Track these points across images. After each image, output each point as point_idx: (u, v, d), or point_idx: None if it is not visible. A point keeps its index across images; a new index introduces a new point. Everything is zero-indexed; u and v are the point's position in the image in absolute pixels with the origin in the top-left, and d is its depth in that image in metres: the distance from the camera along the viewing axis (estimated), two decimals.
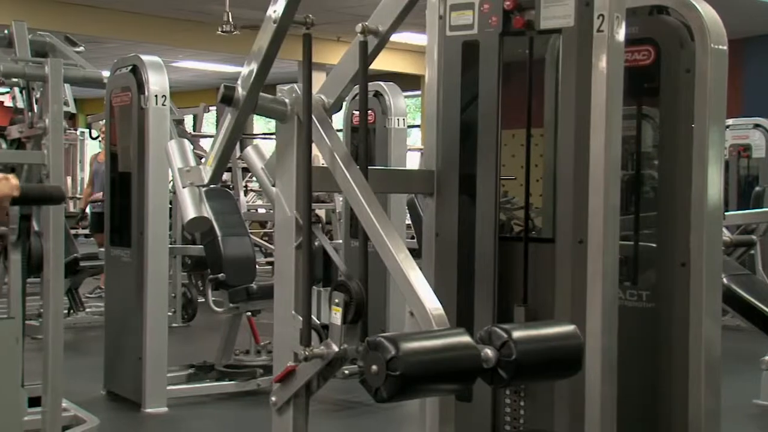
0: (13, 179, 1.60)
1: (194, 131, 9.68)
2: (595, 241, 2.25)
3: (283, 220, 2.44)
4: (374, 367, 1.80)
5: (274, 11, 2.30)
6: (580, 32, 2.27)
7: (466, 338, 1.88)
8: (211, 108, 12.34)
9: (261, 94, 2.42)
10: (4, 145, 6.11)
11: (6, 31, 4.04)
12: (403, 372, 1.76)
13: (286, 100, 2.41)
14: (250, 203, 11.33)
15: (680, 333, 2.60)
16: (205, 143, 10.88)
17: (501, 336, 1.89)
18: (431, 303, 2.07)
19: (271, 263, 9.87)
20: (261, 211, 11.68)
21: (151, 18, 11.93)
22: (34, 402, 3.80)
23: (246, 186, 11.49)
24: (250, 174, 11.64)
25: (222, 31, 9.42)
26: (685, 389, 2.58)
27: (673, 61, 2.62)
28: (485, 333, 1.93)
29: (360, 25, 2.34)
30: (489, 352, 1.89)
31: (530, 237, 2.47)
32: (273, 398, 2.39)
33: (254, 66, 2.38)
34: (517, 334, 1.90)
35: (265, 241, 10.85)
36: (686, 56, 2.59)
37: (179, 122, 7.68)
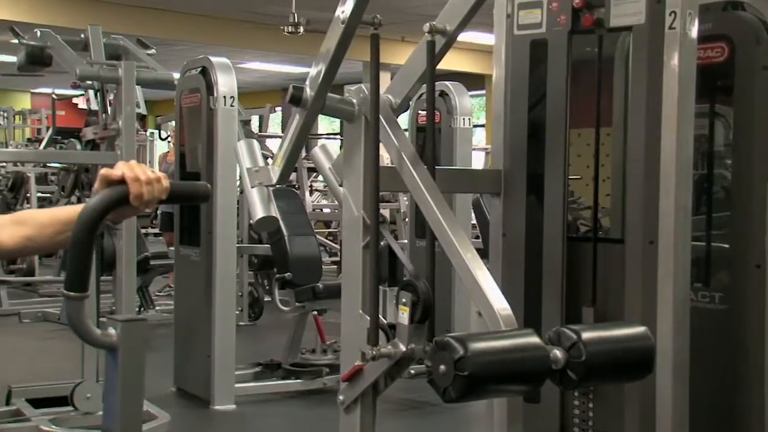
0: (164, 181, 1.54)
1: (260, 131, 9.79)
2: (666, 242, 2.21)
3: (350, 220, 2.45)
4: (442, 367, 1.79)
5: (343, 12, 2.32)
6: (651, 30, 2.23)
7: (534, 339, 1.86)
8: (276, 108, 12.48)
9: (329, 94, 2.44)
10: (78, 146, 6.29)
11: (82, 35, 4.15)
12: (471, 372, 1.75)
13: (354, 101, 2.42)
14: (315, 203, 11.42)
15: (755, 335, 2.54)
16: (271, 143, 11.02)
17: (570, 337, 1.87)
18: (499, 303, 2.06)
19: (335, 263, 9.94)
20: (326, 210, 11.77)
21: (218, 20, 12.11)
22: None
23: (311, 186, 11.59)
24: (315, 174, 11.75)
25: (288, 32, 9.51)
26: (761, 392, 2.52)
27: (749, 58, 2.55)
28: (554, 334, 1.91)
29: (428, 24, 2.34)
30: (558, 353, 1.87)
31: (599, 237, 2.44)
32: (341, 397, 2.41)
33: (322, 66, 2.39)
34: (586, 335, 1.88)
35: (329, 240, 10.92)
36: (762, 53, 2.53)
37: (246, 123, 7.77)
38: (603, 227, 2.52)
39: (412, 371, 2.60)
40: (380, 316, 2.35)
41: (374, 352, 2.26)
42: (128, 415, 1.60)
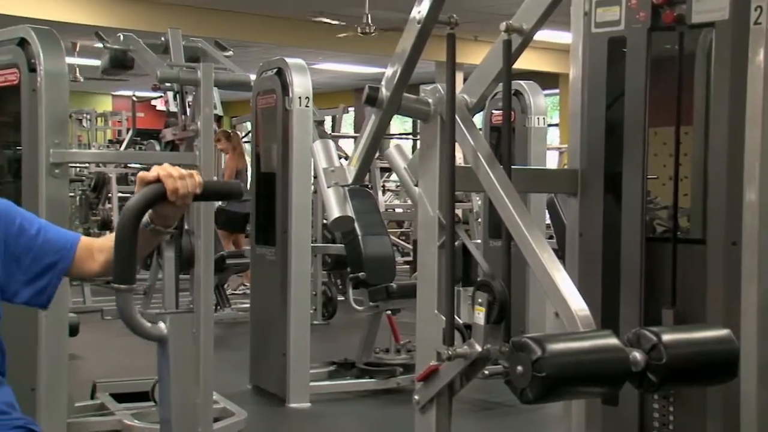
0: (197, 176, 1.65)
1: (333, 132, 9.85)
2: (750, 243, 2.16)
3: (425, 220, 2.45)
4: (519, 368, 1.78)
5: (419, 12, 2.32)
6: (735, 26, 2.18)
7: (613, 340, 1.84)
8: (349, 109, 12.55)
9: (404, 94, 2.44)
10: (157, 147, 6.42)
11: (162, 39, 4.24)
12: (549, 373, 1.74)
13: (429, 100, 2.42)
14: (387, 203, 11.44)
15: None
16: (344, 144, 11.08)
17: (650, 339, 1.84)
18: (577, 304, 2.04)
19: (408, 262, 9.95)
20: (398, 210, 11.79)
21: (293, 21, 12.23)
22: None
23: (383, 185, 11.62)
24: (387, 174, 11.78)
25: (361, 33, 9.55)
26: None
27: None
28: (633, 335, 1.88)
29: (504, 23, 2.32)
30: (637, 355, 1.84)
31: (679, 238, 2.40)
32: (416, 397, 2.41)
33: (398, 67, 2.40)
34: (667, 337, 1.84)
35: (402, 240, 10.94)
36: None
37: (320, 123, 7.84)
38: (681, 227, 2.47)
39: (487, 371, 2.58)
40: (456, 316, 2.35)
41: (450, 352, 2.26)
42: (181, 404, 1.66)
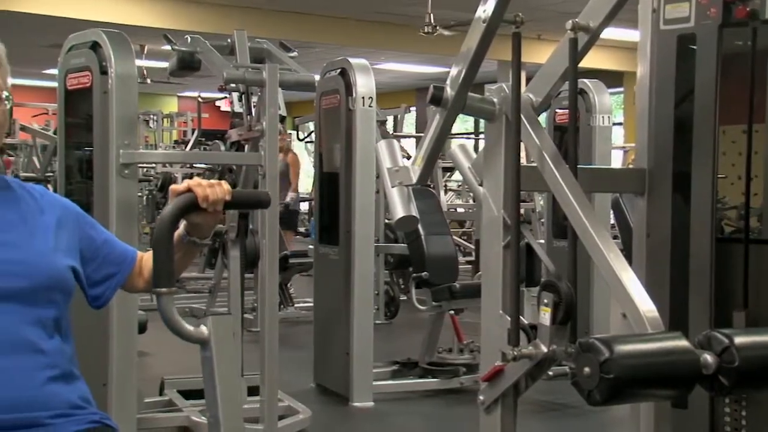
0: (225, 185, 1.75)
1: (395, 131, 9.86)
2: None
3: (490, 220, 2.45)
4: (587, 369, 1.76)
5: (484, 11, 2.31)
6: None
7: (683, 342, 1.81)
8: (411, 109, 12.55)
9: (469, 93, 2.44)
10: (222, 148, 6.50)
11: (228, 40, 4.30)
12: (617, 375, 1.72)
13: (494, 100, 2.41)
14: (449, 203, 11.42)
15: None
16: (405, 143, 11.08)
17: (722, 341, 1.80)
18: (645, 305, 2.01)
19: (470, 262, 9.91)
20: (460, 210, 11.75)
21: (355, 22, 12.28)
22: (253, 391, 4.02)
23: (445, 185, 11.59)
24: (449, 173, 11.75)
25: (424, 33, 9.54)
26: None
27: None
28: (704, 338, 1.84)
29: (570, 21, 2.30)
30: (708, 357, 1.80)
31: (750, 238, 2.35)
32: (481, 397, 2.40)
33: (463, 66, 2.40)
34: (739, 339, 1.80)
35: (463, 240, 10.90)
36: None
37: (382, 123, 7.86)
38: (752, 228, 2.42)
39: (551, 372, 2.57)
40: (521, 317, 2.34)
41: (515, 353, 2.25)
42: (228, 405, 1.69)
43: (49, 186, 7.13)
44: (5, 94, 1.69)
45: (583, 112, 5.88)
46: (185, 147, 11.71)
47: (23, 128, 9.80)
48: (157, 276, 1.69)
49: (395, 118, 10.69)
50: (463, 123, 17.21)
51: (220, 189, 1.73)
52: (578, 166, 2.37)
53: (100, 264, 1.83)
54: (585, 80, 5.96)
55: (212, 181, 1.75)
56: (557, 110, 6.03)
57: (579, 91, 5.86)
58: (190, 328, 1.70)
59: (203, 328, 1.69)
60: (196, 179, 1.76)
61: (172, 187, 1.77)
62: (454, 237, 8.48)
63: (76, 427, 1.63)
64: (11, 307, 1.60)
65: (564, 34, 2.35)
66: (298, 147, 11.78)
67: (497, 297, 2.40)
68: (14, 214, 1.71)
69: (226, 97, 6.52)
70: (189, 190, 1.73)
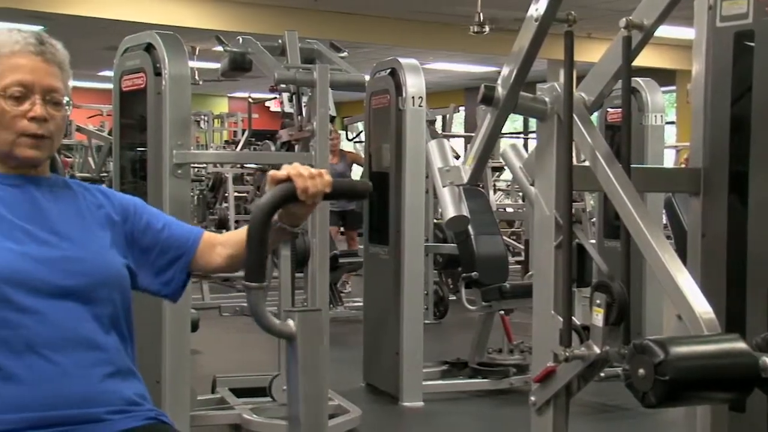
0: (326, 176, 1.67)
1: (443, 131, 9.85)
2: None
3: (542, 219, 2.43)
4: (641, 371, 1.74)
5: (536, 10, 2.30)
6: None
7: (741, 344, 1.78)
8: (460, 108, 12.52)
9: (520, 92, 2.42)
10: (272, 147, 6.56)
11: (279, 41, 4.33)
12: (672, 377, 1.69)
13: (546, 99, 2.39)
14: (498, 202, 11.36)
15: None
16: (454, 143, 11.05)
17: None
18: (701, 306, 1.98)
19: (519, 262, 9.85)
20: (509, 210, 11.69)
21: (404, 22, 12.28)
22: None
23: (494, 185, 11.54)
24: (498, 173, 11.69)
25: (473, 32, 9.51)
26: None
27: None
28: (762, 340, 1.81)
29: (624, 19, 2.28)
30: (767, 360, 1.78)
31: None
32: (532, 398, 2.39)
33: (514, 65, 2.39)
34: None
35: (512, 240, 10.84)
36: None
37: (431, 123, 7.86)
38: None
39: (602, 374, 2.55)
40: (573, 317, 2.32)
41: (567, 354, 2.23)
42: (311, 403, 1.66)
43: (104, 186, 7.25)
44: (66, 99, 1.72)
45: (635, 111, 5.81)
46: (235, 147, 11.82)
47: (79, 129, 9.97)
48: (248, 269, 1.62)
49: (444, 117, 10.68)
50: (512, 122, 17.12)
51: (321, 181, 1.65)
52: (631, 165, 2.34)
53: (162, 249, 1.82)
54: (637, 79, 5.89)
55: (314, 171, 1.66)
56: (608, 109, 5.97)
57: (631, 89, 5.80)
58: (277, 323, 1.67)
59: (290, 323, 1.67)
60: (297, 166, 1.65)
61: (271, 173, 1.67)
62: (503, 237, 8.44)
63: (133, 424, 1.65)
64: (69, 305, 1.62)
65: (615, 33, 2.32)
66: (346, 147, 11.82)
67: (549, 297, 2.38)
68: (73, 213, 1.74)
69: (276, 98, 6.57)
70: (289, 178, 1.64)
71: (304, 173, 1.64)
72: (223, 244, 1.85)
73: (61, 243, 1.67)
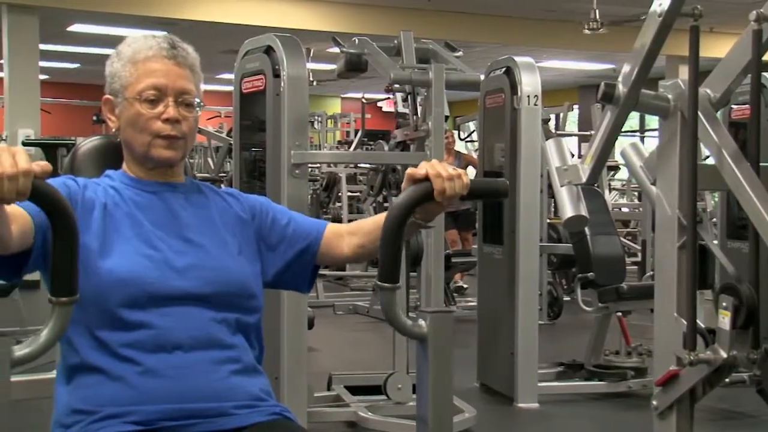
0: (465, 177, 1.65)
1: (557, 130, 9.72)
2: None
3: (664, 220, 2.38)
4: None
5: (660, 5, 2.25)
6: None
7: None
8: (574, 107, 12.32)
9: (642, 90, 2.38)
10: (385, 147, 6.61)
11: (395, 42, 4.36)
12: None
13: (669, 96, 2.34)
14: (613, 202, 11.14)
15: None
16: (568, 142, 10.86)
17: None
18: None
19: (636, 263, 9.63)
20: (624, 210, 11.44)
21: (518, 20, 12.18)
22: None
23: (609, 184, 11.31)
24: (613, 172, 11.45)
25: (588, 29, 9.34)
26: None
27: None
28: None
29: (754, 12, 2.20)
30: None
31: None
32: (654, 402, 2.34)
33: (636, 62, 2.34)
34: None
35: (628, 240, 10.60)
36: None
37: (545, 121, 7.76)
38: None
39: (727, 379, 2.47)
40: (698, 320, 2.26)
41: (692, 357, 2.18)
42: (439, 404, 1.66)
43: (223, 185, 7.46)
44: (197, 100, 1.77)
45: (764, 107, 5.60)
46: (348, 147, 11.96)
47: (199, 131, 10.27)
48: (382, 270, 1.62)
49: (558, 116, 10.54)
50: (628, 120, 16.76)
51: (459, 184, 1.63)
52: (761, 164, 2.26)
53: (289, 242, 1.85)
54: (765, 74, 5.68)
55: (452, 171, 1.63)
56: (733, 106, 5.77)
57: (761, 85, 5.59)
58: (409, 323, 1.68)
59: (422, 324, 1.68)
60: (436, 165, 1.62)
61: (410, 170, 1.65)
62: (620, 237, 8.26)
63: (259, 418, 1.70)
64: (198, 309, 1.67)
65: (740, 26, 2.25)
66: (458, 146, 11.81)
67: (672, 299, 2.33)
68: (205, 220, 1.79)
69: (389, 98, 6.62)
70: (427, 177, 1.62)
71: (443, 174, 1.62)
72: (352, 233, 1.86)
73: (192, 250, 1.73)
